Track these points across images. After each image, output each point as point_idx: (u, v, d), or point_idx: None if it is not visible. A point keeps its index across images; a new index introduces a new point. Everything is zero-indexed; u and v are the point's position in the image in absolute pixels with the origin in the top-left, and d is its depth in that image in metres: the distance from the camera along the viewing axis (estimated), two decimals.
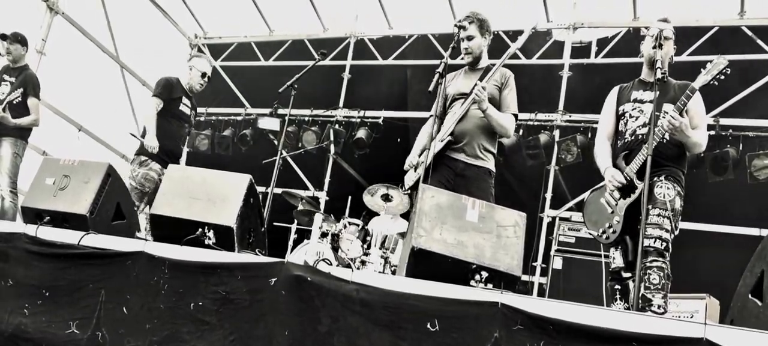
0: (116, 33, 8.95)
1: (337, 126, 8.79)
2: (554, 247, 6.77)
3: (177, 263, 3.35)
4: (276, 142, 8.74)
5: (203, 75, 5.88)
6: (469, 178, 4.15)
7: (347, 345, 2.90)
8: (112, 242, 3.56)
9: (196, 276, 3.29)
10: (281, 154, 5.47)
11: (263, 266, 3.23)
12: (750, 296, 2.91)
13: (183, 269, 3.33)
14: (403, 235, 6.14)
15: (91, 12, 8.53)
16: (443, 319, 2.77)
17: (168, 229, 3.62)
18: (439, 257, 3.02)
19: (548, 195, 7.45)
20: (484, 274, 3.01)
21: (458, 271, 3.01)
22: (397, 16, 9.01)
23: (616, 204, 3.87)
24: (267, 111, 8.40)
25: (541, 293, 6.82)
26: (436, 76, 3.99)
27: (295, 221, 7.29)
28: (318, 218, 6.53)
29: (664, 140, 3.79)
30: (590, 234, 4.10)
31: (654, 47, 3.85)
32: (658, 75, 3.74)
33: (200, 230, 3.55)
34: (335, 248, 6.23)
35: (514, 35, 7.67)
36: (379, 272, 5.95)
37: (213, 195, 3.67)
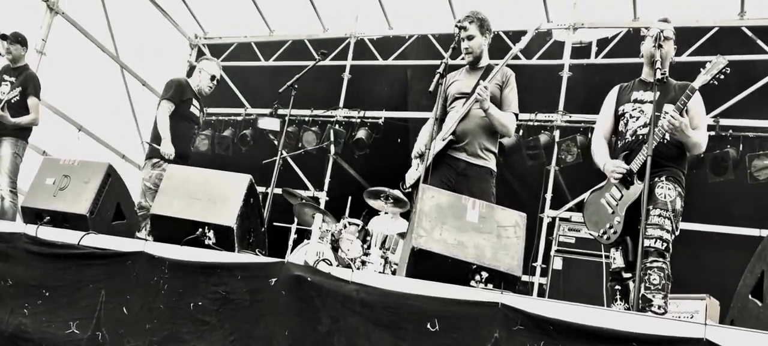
0: (116, 33, 8.94)
1: (337, 126, 8.79)
2: (554, 247, 6.76)
3: (177, 263, 3.35)
4: (276, 143, 8.73)
5: (213, 78, 5.93)
6: (470, 177, 4.16)
7: (347, 345, 2.90)
8: (112, 242, 3.56)
9: (196, 276, 3.29)
10: (281, 154, 5.48)
11: (263, 266, 3.23)
12: (750, 296, 2.91)
13: (183, 269, 3.33)
14: (403, 235, 6.14)
15: (91, 12, 8.53)
16: (443, 319, 2.77)
17: (168, 229, 3.62)
18: (439, 257, 3.02)
19: (548, 195, 7.45)
20: (485, 274, 3.02)
21: (458, 271, 3.01)
22: (397, 17, 9.01)
23: (617, 204, 3.87)
24: (267, 111, 8.38)
25: (541, 294, 6.82)
26: (437, 76, 4.00)
27: (296, 221, 7.29)
28: (318, 218, 6.53)
29: (665, 141, 3.79)
30: (590, 234, 4.10)
31: (654, 47, 3.85)
32: (658, 75, 3.74)
33: (200, 230, 3.55)
34: (335, 248, 6.23)
35: (514, 35, 7.70)
36: (380, 272, 5.95)
37: (213, 195, 3.67)
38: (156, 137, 5.58)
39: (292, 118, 8.60)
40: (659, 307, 3.56)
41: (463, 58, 4.45)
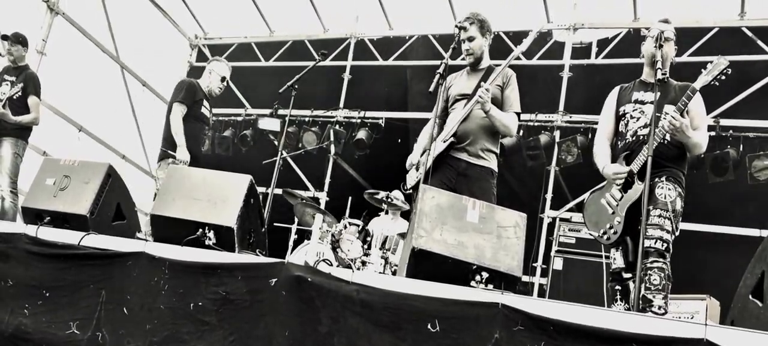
0: (116, 33, 8.94)
1: (337, 127, 8.79)
2: (554, 248, 6.76)
3: (177, 264, 3.35)
4: (276, 143, 8.74)
5: (222, 79, 5.94)
6: (471, 178, 4.16)
7: None
8: (113, 243, 3.56)
9: (197, 277, 3.29)
10: (281, 154, 5.47)
11: (263, 267, 3.24)
12: (750, 297, 2.91)
13: (183, 270, 3.34)
14: (403, 235, 6.14)
15: (91, 12, 8.53)
16: (444, 319, 2.77)
17: (168, 229, 3.62)
18: (439, 257, 3.03)
19: (548, 196, 7.45)
20: (485, 274, 3.02)
21: (459, 271, 3.01)
22: (398, 17, 9.01)
23: (617, 204, 3.87)
24: (267, 111, 8.39)
25: (541, 294, 6.82)
26: (437, 76, 3.99)
27: (296, 221, 7.29)
28: (318, 218, 6.53)
29: (665, 141, 3.78)
30: (591, 235, 4.10)
31: (655, 48, 3.85)
32: (659, 76, 3.74)
33: (200, 230, 3.55)
34: (335, 249, 6.22)
35: (514, 36, 7.70)
36: (380, 273, 5.95)
37: (213, 196, 3.67)
38: (169, 139, 5.56)
39: (292, 118, 8.60)
40: (659, 307, 3.56)
41: (463, 59, 4.45)
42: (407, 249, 3.23)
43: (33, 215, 3.95)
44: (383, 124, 8.77)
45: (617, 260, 3.92)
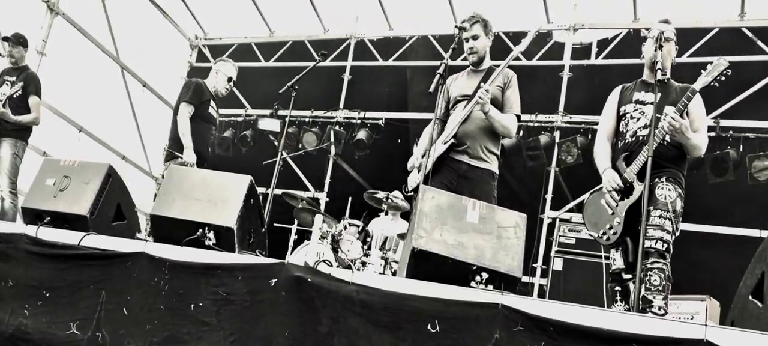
0: (116, 34, 8.94)
1: (337, 127, 8.79)
2: (554, 248, 6.76)
3: (177, 264, 3.35)
4: (276, 143, 8.74)
5: (229, 80, 5.92)
6: (471, 179, 4.15)
7: None
8: (113, 243, 3.56)
9: (197, 277, 3.29)
10: (281, 155, 5.47)
11: (263, 267, 3.24)
12: (750, 297, 2.91)
13: (183, 270, 3.34)
14: (403, 236, 6.14)
15: (91, 13, 8.53)
16: (444, 320, 2.77)
17: (168, 230, 3.62)
18: (439, 258, 3.02)
19: (548, 196, 7.45)
20: (485, 275, 3.02)
21: (459, 272, 3.01)
22: (398, 18, 9.01)
23: (617, 205, 3.87)
24: (267, 112, 8.39)
25: (541, 295, 6.82)
26: (437, 77, 3.99)
27: (296, 222, 7.29)
28: (318, 219, 6.53)
29: (665, 142, 3.78)
30: (590, 235, 4.10)
31: (655, 49, 3.85)
32: (659, 76, 3.74)
33: (200, 230, 3.55)
34: (335, 249, 6.23)
35: (514, 36, 7.70)
36: (380, 273, 5.95)
37: (213, 196, 3.67)
38: (176, 140, 5.54)
39: (292, 119, 8.60)
40: (659, 308, 3.56)
41: (466, 59, 4.44)
42: (407, 249, 3.23)
43: (33, 216, 3.95)
44: (383, 125, 8.77)
45: (617, 260, 3.92)
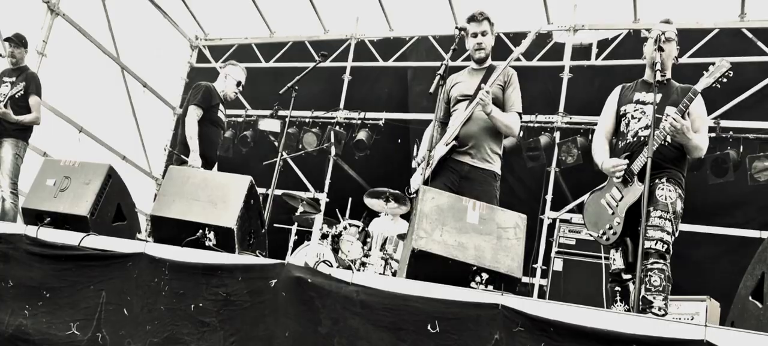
0: (117, 34, 8.94)
1: (337, 128, 8.79)
2: (554, 249, 6.76)
3: (177, 265, 3.35)
4: (276, 144, 8.74)
5: (238, 83, 5.91)
6: (474, 180, 4.14)
7: None
8: (113, 244, 3.56)
9: (197, 278, 3.29)
10: (282, 155, 5.47)
11: (264, 268, 3.24)
12: (750, 298, 2.91)
13: (183, 271, 3.34)
14: (403, 236, 6.14)
15: (91, 13, 8.53)
16: (444, 320, 2.77)
17: (168, 230, 3.62)
18: (439, 258, 3.03)
19: (549, 197, 7.45)
20: (485, 275, 3.02)
21: (459, 272, 3.01)
22: (398, 18, 9.01)
23: (617, 205, 3.87)
24: (267, 112, 8.39)
25: (541, 295, 6.82)
26: (437, 77, 3.98)
27: (296, 222, 7.29)
28: (318, 219, 6.53)
29: (665, 143, 3.78)
30: (590, 235, 4.10)
31: (655, 49, 3.85)
32: (658, 77, 3.75)
33: (201, 231, 3.55)
34: (335, 250, 6.23)
35: (514, 37, 7.70)
36: (380, 274, 5.95)
37: (213, 196, 3.67)
38: (183, 143, 5.52)
39: (292, 119, 8.61)
40: (659, 308, 3.56)
41: (466, 60, 4.44)
42: (407, 250, 3.23)
43: (33, 216, 3.95)
44: (383, 125, 8.77)
45: (617, 261, 3.93)
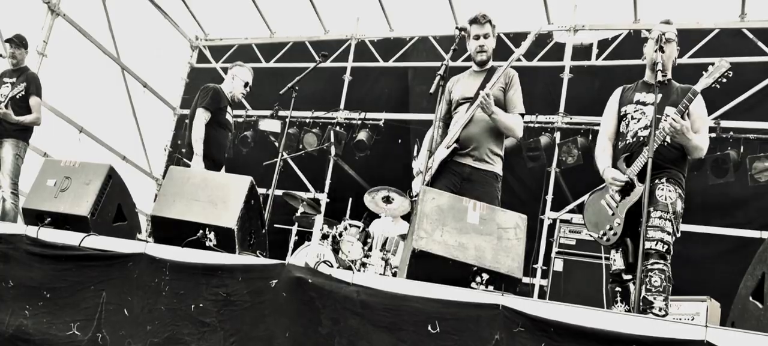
0: (117, 35, 8.95)
1: (337, 128, 8.79)
2: (555, 249, 6.76)
3: (178, 265, 3.36)
4: (277, 144, 8.74)
5: (246, 84, 5.87)
6: (475, 182, 4.13)
7: None
8: (113, 244, 3.56)
9: (197, 278, 3.29)
10: (282, 156, 5.47)
11: (264, 268, 3.24)
12: (751, 298, 2.91)
13: (184, 271, 3.34)
14: (403, 237, 6.14)
15: (92, 14, 8.54)
16: (444, 321, 2.77)
17: (169, 230, 3.62)
18: (440, 258, 3.03)
19: (549, 197, 7.45)
20: (485, 276, 3.02)
21: (459, 273, 3.01)
22: (398, 18, 9.01)
23: (617, 206, 3.87)
24: (268, 113, 8.40)
25: (541, 296, 6.82)
26: (437, 78, 3.98)
27: (296, 223, 7.29)
28: (319, 220, 6.54)
29: (665, 143, 3.78)
30: (591, 236, 4.10)
31: (656, 50, 3.85)
32: (659, 77, 3.75)
33: (201, 231, 3.55)
34: (336, 250, 6.23)
35: (515, 37, 7.70)
36: (380, 274, 5.94)
37: (214, 197, 3.67)
38: (190, 145, 5.46)
39: (292, 119, 8.61)
40: (660, 309, 3.56)
41: (467, 60, 4.44)
42: (408, 250, 3.23)
43: (34, 216, 3.95)
44: (384, 126, 8.77)
45: (617, 261, 3.93)
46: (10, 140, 5.87)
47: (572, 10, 7.97)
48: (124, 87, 9.17)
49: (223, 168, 5.66)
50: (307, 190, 8.80)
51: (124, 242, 3.57)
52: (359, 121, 8.85)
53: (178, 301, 3.27)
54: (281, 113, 6.64)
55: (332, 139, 8.50)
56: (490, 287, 3.00)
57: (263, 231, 3.95)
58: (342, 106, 8.98)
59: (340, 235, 6.36)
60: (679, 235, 3.77)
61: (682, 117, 3.72)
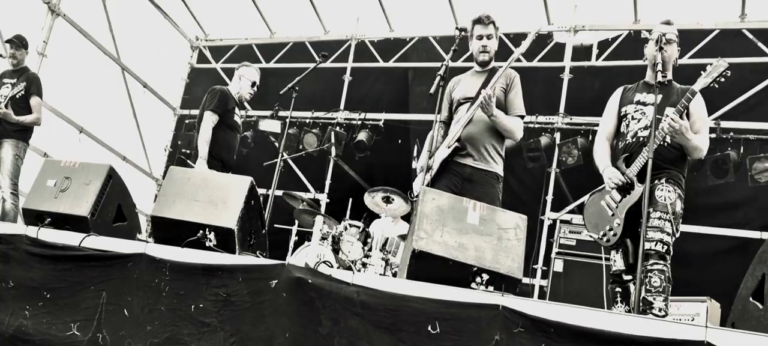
0: (117, 35, 8.95)
1: (337, 128, 8.80)
2: (555, 249, 6.76)
3: (178, 265, 3.35)
4: (277, 145, 8.75)
5: (253, 84, 5.85)
6: (476, 182, 4.13)
7: None
8: (113, 244, 3.56)
9: (197, 278, 3.29)
10: (282, 156, 5.47)
11: (264, 268, 3.24)
12: (751, 299, 2.91)
13: (184, 271, 3.33)
14: (403, 237, 6.14)
15: (92, 14, 8.54)
16: (444, 321, 2.77)
17: (169, 231, 3.62)
18: (440, 259, 3.02)
19: (549, 198, 7.46)
20: (485, 276, 3.02)
21: (459, 273, 3.01)
22: (398, 19, 9.02)
23: (617, 206, 3.87)
24: (268, 113, 8.40)
25: (541, 296, 6.82)
26: (437, 78, 3.98)
27: (296, 223, 7.29)
28: (319, 220, 6.53)
29: (665, 143, 3.78)
30: (591, 237, 4.10)
31: (656, 50, 3.85)
32: (659, 78, 3.75)
33: (201, 232, 3.55)
34: (336, 250, 6.22)
35: (515, 37, 7.70)
36: (380, 275, 5.94)
37: (214, 197, 3.67)
38: (197, 147, 5.43)
39: (292, 120, 8.61)
40: (660, 309, 3.56)
41: (467, 61, 4.44)
42: (408, 251, 3.23)
43: (34, 217, 3.95)
44: (384, 126, 8.77)
45: (617, 262, 3.93)
46: (10, 141, 5.88)
47: (572, 10, 7.97)
48: (124, 87, 9.17)
49: (231, 171, 5.64)
50: (307, 190, 8.80)
51: (124, 243, 3.57)
52: (359, 122, 8.85)
53: (178, 301, 3.27)
54: (281, 114, 6.64)
55: (332, 140, 8.50)
56: (490, 288, 3.00)
57: (263, 231, 3.96)
58: (342, 106, 8.98)
59: (340, 235, 6.36)
60: (678, 235, 3.77)
61: (681, 117, 3.72)
